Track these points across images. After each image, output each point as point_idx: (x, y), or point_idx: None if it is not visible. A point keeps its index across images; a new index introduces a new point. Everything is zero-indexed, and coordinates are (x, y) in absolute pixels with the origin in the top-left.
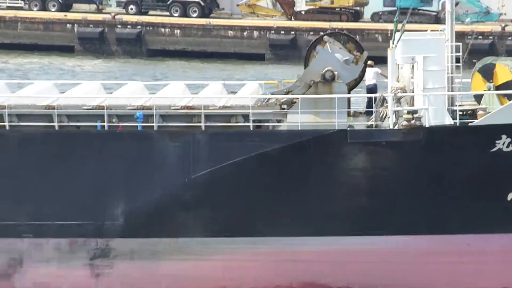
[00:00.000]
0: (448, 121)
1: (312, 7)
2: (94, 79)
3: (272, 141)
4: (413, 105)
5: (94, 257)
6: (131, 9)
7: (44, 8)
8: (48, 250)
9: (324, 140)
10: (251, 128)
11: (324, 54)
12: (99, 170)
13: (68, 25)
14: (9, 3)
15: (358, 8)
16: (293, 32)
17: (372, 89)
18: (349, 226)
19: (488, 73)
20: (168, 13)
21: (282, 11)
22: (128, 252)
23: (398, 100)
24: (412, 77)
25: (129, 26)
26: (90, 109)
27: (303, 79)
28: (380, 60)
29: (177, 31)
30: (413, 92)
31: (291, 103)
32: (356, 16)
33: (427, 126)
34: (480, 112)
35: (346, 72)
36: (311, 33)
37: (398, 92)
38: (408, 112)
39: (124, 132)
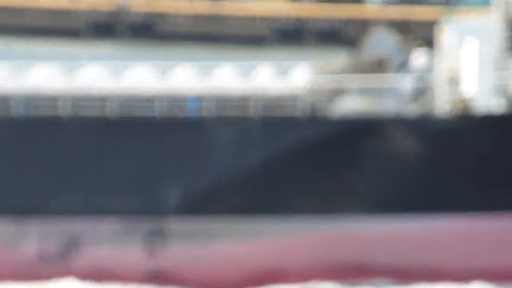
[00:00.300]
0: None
1: None
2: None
3: (332, 127)
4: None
5: (150, 236)
6: None
7: None
8: (106, 230)
9: (383, 124)
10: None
11: (387, 39)
12: (157, 154)
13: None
14: None
15: None
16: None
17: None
18: (404, 205)
19: None
20: None
21: None
22: (184, 232)
23: (455, 84)
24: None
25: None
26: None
27: (367, 60)
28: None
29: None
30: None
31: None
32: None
33: (481, 112)
34: None
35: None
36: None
37: (454, 76)
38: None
39: (184, 120)
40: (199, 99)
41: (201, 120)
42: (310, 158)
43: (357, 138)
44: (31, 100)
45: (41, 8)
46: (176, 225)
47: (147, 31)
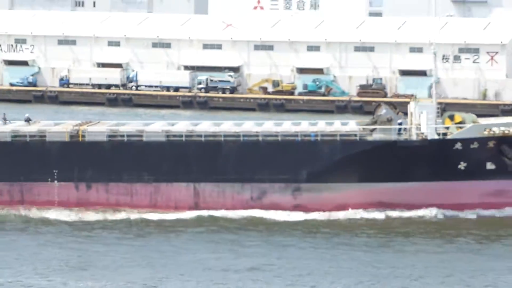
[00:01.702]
0: (436, 136)
1: (274, 90)
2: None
3: (369, 145)
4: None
5: (294, 190)
6: None
7: None
8: (277, 187)
9: (390, 145)
10: (358, 139)
11: (388, 110)
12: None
13: None
14: None
15: (294, 90)
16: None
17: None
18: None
19: (451, 117)
20: None
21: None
22: (308, 189)
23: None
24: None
25: None
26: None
27: (380, 119)
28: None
29: None
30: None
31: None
32: (292, 93)
33: (429, 138)
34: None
35: (395, 117)
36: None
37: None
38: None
39: (306, 141)
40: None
41: (316, 141)
42: (358, 159)
43: (381, 152)
44: None
45: None
46: (305, 186)
47: None
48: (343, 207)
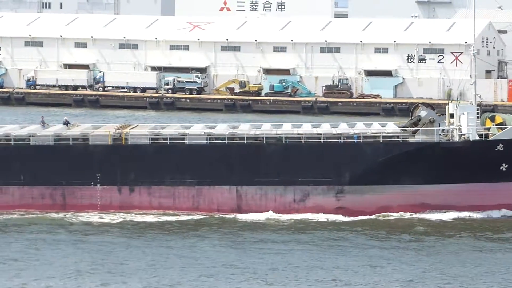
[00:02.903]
0: (477, 137)
1: (241, 90)
2: None
3: (412, 146)
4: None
5: (338, 192)
6: None
7: None
8: (322, 190)
9: (433, 146)
10: (401, 141)
11: (430, 111)
12: (334, 157)
13: None
14: None
15: (261, 90)
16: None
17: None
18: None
19: (492, 118)
20: None
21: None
22: (351, 191)
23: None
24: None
25: None
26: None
27: (423, 120)
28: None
29: None
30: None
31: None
32: (259, 94)
33: (471, 140)
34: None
35: (438, 118)
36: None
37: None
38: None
39: (348, 143)
40: (358, 136)
41: (358, 143)
42: (401, 160)
43: (423, 152)
44: None
45: None
46: (349, 187)
47: None
48: (386, 209)
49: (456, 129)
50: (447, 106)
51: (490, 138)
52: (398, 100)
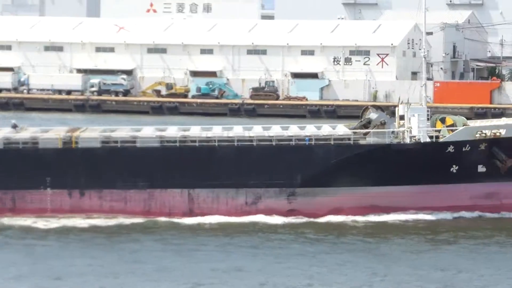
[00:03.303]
0: (428, 139)
1: (167, 92)
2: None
3: (363, 148)
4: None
5: (289, 195)
6: None
7: None
8: (274, 192)
9: (384, 148)
10: (352, 143)
11: (381, 114)
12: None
13: None
14: None
15: (187, 92)
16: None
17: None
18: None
19: (442, 120)
20: None
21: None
22: (303, 193)
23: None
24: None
25: None
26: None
27: (374, 122)
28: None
29: None
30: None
31: (366, 132)
32: (186, 96)
33: (422, 141)
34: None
35: (389, 120)
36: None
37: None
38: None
39: (300, 145)
40: (310, 139)
41: (310, 145)
42: (352, 163)
43: (372, 153)
44: None
45: None
46: (299, 190)
47: None
48: (337, 211)
49: (407, 131)
50: (396, 108)
51: (441, 140)
52: (324, 102)
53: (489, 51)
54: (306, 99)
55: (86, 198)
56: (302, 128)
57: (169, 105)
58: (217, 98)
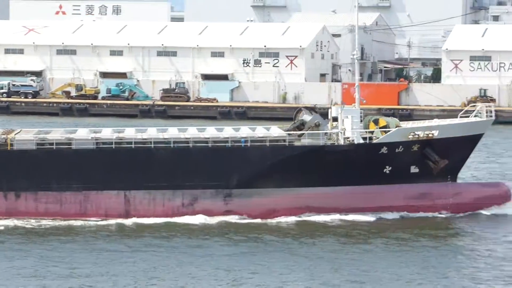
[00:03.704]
0: (361, 140)
1: (77, 94)
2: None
3: (298, 150)
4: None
5: (226, 196)
6: None
7: None
8: (210, 193)
9: (318, 150)
10: (287, 144)
11: (316, 115)
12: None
13: None
14: None
15: (97, 94)
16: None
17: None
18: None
19: (375, 121)
20: None
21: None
22: (239, 194)
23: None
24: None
25: None
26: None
27: (308, 124)
28: None
29: None
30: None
31: (301, 134)
32: (96, 97)
33: (355, 143)
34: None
35: (323, 122)
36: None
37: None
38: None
39: (236, 147)
40: (245, 140)
41: (246, 147)
42: (287, 164)
43: (308, 155)
44: None
45: None
46: (236, 191)
47: None
48: (272, 212)
49: (341, 132)
50: (329, 110)
51: (374, 141)
52: (235, 104)
53: (397, 53)
54: (217, 101)
55: (22, 200)
56: (236, 129)
57: (79, 107)
58: (127, 99)
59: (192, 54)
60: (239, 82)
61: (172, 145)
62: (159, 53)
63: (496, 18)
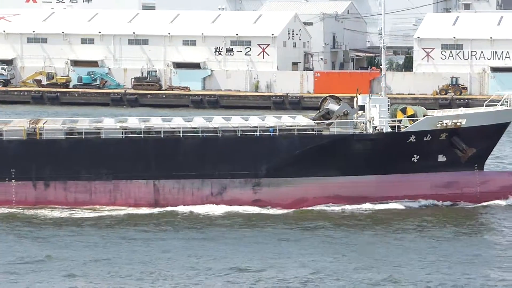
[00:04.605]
0: (389, 129)
1: (48, 82)
2: None
3: (327, 139)
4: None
5: (254, 185)
6: None
7: None
8: (239, 183)
9: (347, 138)
10: (316, 133)
11: (344, 104)
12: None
13: None
14: None
15: (69, 82)
16: None
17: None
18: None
19: (403, 110)
20: None
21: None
22: (267, 183)
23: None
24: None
25: None
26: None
27: (337, 113)
28: None
29: None
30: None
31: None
32: (67, 86)
33: (384, 131)
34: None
35: (351, 111)
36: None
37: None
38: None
39: (265, 136)
40: (274, 129)
41: (274, 136)
42: (316, 153)
43: (335, 144)
44: None
45: None
46: (266, 180)
47: None
48: (301, 201)
49: (369, 121)
50: (355, 99)
51: (403, 130)
52: (207, 92)
53: (368, 41)
54: (189, 89)
55: (51, 190)
56: (262, 118)
57: (50, 95)
58: (99, 88)
59: (163, 43)
60: (211, 71)
61: (200, 134)
62: (131, 41)
63: (467, 6)
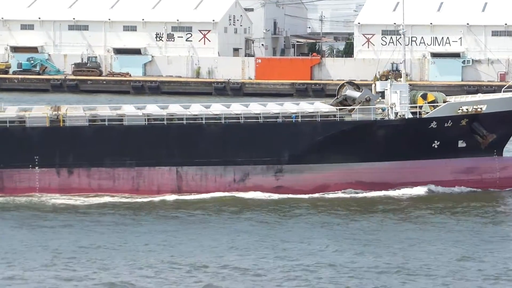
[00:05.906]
0: (410, 115)
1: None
2: None
3: (349, 125)
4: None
5: (277, 172)
6: None
7: None
8: (261, 169)
9: (370, 125)
10: (338, 120)
11: (366, 90)
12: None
13: None
14: None
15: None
16: None
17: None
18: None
19: (424, 96)
20: None
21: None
22: (290, 170)
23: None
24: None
25: None
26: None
27: (359, 99)
28: None
29: None
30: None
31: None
32: (7, 72)
33: (406, 117)
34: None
35: (373, 97)
36: None
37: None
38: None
39: (287, 123)
40: (296, 116)
41: (297, 122)
42: (338, 139)
43: (358, 130)
44: None
45: None
46: (287, 166)
47: None
48: (323, 187)
49: (391, 107)
50: (373, 85)
51: (424, 116)
52: (148, 78)
53: (309, 28)
54: (130, 75)
55: (74, 177)
56: (280, 104)
57: None
58: (38, 74)
59: (104, 28)
60: (152, 57)
61: (223, 120)
62: (71, 27)
63: None
